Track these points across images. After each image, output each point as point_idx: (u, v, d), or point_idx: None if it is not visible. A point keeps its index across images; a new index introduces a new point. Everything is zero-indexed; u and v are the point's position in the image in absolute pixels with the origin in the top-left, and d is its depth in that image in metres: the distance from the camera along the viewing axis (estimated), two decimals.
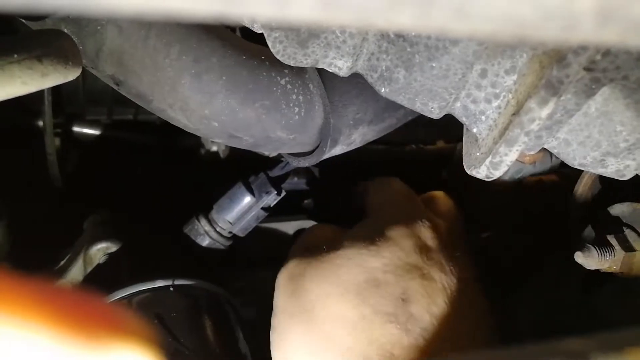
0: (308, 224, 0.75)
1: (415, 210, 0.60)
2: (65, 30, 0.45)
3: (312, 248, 0.58)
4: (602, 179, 0.60)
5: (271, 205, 0.67)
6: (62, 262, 0.64)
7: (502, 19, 0.14)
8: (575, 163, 0.41)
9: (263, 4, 0.11)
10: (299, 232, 0.79)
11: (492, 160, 0.37)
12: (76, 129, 0.86)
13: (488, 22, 0.14)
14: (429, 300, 0.51)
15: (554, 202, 0.66)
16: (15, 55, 0.37)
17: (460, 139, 0.46)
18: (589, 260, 0.53)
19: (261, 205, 0.66)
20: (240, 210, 0.66)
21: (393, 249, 0.54)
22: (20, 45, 0.38)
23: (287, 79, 0.50)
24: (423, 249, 0.55)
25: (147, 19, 0.45)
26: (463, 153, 0.43)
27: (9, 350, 0.14)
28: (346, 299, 0.51)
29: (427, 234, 0.57)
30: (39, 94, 0.69)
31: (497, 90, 0.38)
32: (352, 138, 0.53)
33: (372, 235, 0.55)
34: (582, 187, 0.61)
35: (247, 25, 0.42)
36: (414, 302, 0.51)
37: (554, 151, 0.41)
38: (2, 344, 0.14)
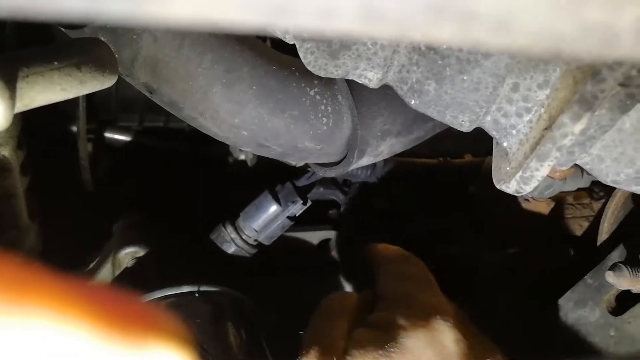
0: (332, 234, 0.75)
1: (437, 307, 0.52)
2: (103, 39, 0.47)
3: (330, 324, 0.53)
4: (635, 196, 0.59)
5: (297, 215, 0.68)
6: (91, 265, 0.65)
7: (541, 33, 0.14)
8: (608, 180, 0.40)
9: (308, 15, 0.11)
10: (324, 242, 0.79)
11: (522, 175, 0.37)
12: (108, 134, 0.87)
13: (526, 36, 0.14)
14: None
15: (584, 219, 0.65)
16: (56, 63, 0.38)
17: (487, 152, 0.45)
18: (621, 279, 0.51)
19: (287, 214, 0.67)
20: (266, 219, 0.67)
21: None
22: (60, 53, 0.39)
23: (316, 89, 0.50)
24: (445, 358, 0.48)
25: (195, 31, 0.45)
26: (492, 167, 0.43)
27: (48, 344, 0.14)
28: None
29: (450, 338, 0.49)
30: (74, 100, 0.71)
31: (529, 105, 0.38)
32: (379, 149, 0.53)
33: (385, 343, 0.48)
34: (614, 205, 0.60)
35: (279, 36, 0.43)
36: None
37: (587, 167, 0.40)
38: (42, 339, 0.14)
